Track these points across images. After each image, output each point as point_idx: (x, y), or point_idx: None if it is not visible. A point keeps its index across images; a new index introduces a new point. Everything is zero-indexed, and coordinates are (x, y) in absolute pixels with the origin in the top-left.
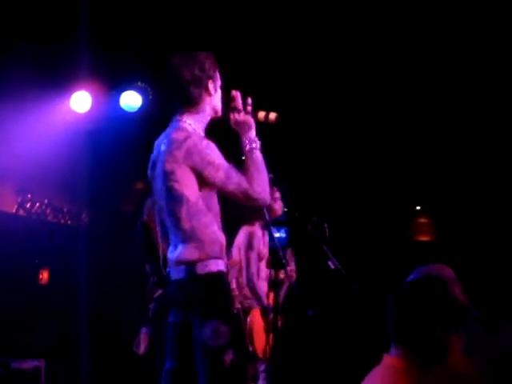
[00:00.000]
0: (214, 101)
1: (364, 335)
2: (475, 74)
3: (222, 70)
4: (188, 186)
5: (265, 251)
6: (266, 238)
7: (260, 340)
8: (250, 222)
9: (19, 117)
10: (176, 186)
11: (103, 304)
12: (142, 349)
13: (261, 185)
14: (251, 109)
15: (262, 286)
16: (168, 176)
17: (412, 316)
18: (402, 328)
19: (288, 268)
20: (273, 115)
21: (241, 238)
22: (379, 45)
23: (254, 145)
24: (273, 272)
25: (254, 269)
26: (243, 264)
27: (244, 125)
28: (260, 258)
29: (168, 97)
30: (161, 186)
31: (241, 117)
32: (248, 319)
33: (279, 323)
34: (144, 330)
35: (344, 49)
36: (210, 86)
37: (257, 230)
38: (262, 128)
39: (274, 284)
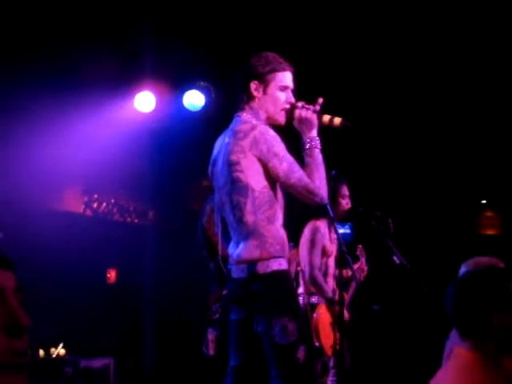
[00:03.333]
0: (265, 103)
1: (429, 330)
2: None
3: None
4: (254, 177)
5: (332, 248)
6: (333, 234)
7: (327, 336)
8: (316, 218)
9: (85, 118)
10: (241, 176)
11: (170, 302)
12: (211, 350)
13: (320, 182)
14: (319, 109)
15: (329, 282)
16: (233, 166)
17: (474, 305)
18: (465, 319)
19: (356, 265)
20: (338, 120)
21: (305, 235)
22: (439, 47)
23: (315, 143)
24: (338, 270)
25: (315, 263)
26: (305, 259)
27: (308, 122)
28: (327, 254)
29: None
30: (224, 179)
31: (306, 114)
32: (314, 315)
33: (346, 319)
34: (210, 330)
35: (404, 50)
36: (253, 86)
37: (321, 225)
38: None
39: (340, 282)
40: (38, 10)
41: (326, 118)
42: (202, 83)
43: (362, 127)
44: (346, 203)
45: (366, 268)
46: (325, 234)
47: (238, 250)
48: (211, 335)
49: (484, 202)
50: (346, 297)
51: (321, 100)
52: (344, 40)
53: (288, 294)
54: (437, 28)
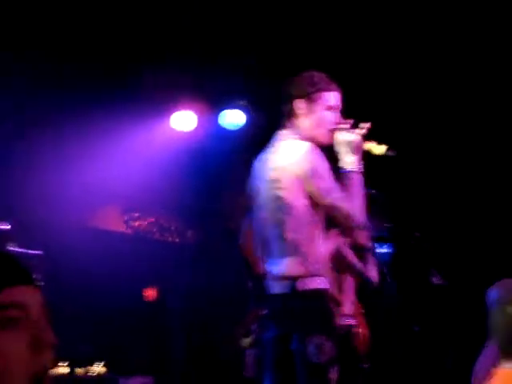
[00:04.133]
0: (309, 123)
1: (468, 350)
2: None
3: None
4: (295, 195)
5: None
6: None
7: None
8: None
9: (125, 137)
10: (283, 194)
11: (209, 322)
12: (251, 372)
13: (358, 206)
14: (365, 133)
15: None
16: (274, 184)
17: None
18: (508, 339)
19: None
20: (382, 148)
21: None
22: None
23: (357, 167)
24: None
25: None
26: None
27: (351, 144)
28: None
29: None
30: (265, 197)
31: (350, 136)
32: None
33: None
34: (249, 352)
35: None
36: (297, 105)
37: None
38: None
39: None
40: (81, 28)
41: (371, 144)
42: (241, 102)
43: (405, 154)
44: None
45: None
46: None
47: (278, 267)
48: (249, 357)
49: None
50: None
51: (367, 125)
52: (395, 68)
53: (325, 313)
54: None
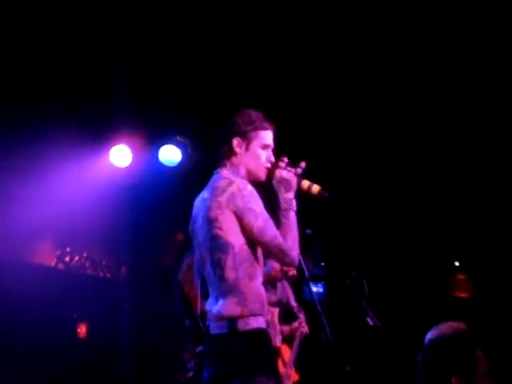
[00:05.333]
0: (246, 160)
1: None
2: None
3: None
4: (233, 234)
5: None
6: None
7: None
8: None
9: (60, 170)
10: (221, 233)
11: (143, 358)
12: None
13: (293, 243)
14: (300, 172)
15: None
16: (212, 223)
17: (435, 369)
18: (428, 382)
19: (295, 323)
20: (316, 188)
21: None
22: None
23: (291, 205)
24: (286, 328)
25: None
26: None
27: (287, 183)
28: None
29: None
30: (204, 236)
31: (286, 175)
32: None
33: (296, 378)
34: None
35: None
36: (235, 143)
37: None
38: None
39: (289, 338)
40: (12, 63)
41: (306, 183)
42: (178, 138)
43: (338, 196)
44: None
45: (306, 327)
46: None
47: (217, 307)
48: None
49: (457, 263)
50: (291, 354)
51: (303, 164)
52: (326, 105)
53: (266, 353)
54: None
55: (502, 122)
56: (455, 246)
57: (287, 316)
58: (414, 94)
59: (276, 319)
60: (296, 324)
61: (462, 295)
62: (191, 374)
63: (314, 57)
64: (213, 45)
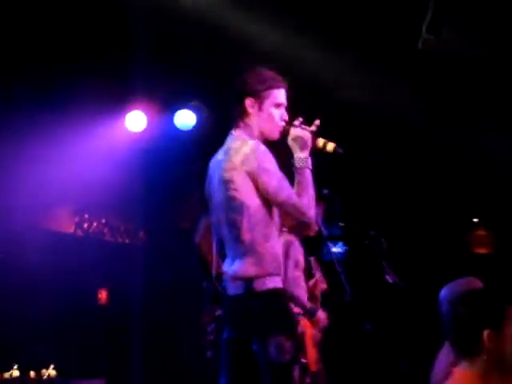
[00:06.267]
0: (259, 120)
1: (422, 349)
2: None
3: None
4: (248, 195)
5: (302, 261)
6: (302, 248)
7: (310, 352)
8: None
9: (76, 138)
10: (236, 194)
11: (162, 323)
12: (208, 372)
13: (309, 202)
14: (315, 130)
15: (302, 295)
16: (227, 185)
17: (466, 323)
18: (458, 337)
19: (315, 278)
20: (331, 146)
21: None
22: None
23: (306, 163)
24: (313, 284)
25: (290, 275)
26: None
27: (302, 142)
28: (299, 268)
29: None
30: (220, 198)
31: (301, 133)
32: (298, 330)
33: (323, 320)
34: (209, 352)
35: None
36: (248, 103)
37: (294, 239)
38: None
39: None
40: (30, 31)
41: (321, 141)
42: (193, 102)
43: (354, 152)
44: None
45: (324, 284)
46: (298, 248)
47: (234, 267)
48: (210, 357)
49: (476, 220)
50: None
51: (317, 122)
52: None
53: (285, 312)
54: None
55: None
56: (474, 202)
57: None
58: None
59: (303, 281)
60: (312, 282)
61: (482, 251)
62: (212, 337)
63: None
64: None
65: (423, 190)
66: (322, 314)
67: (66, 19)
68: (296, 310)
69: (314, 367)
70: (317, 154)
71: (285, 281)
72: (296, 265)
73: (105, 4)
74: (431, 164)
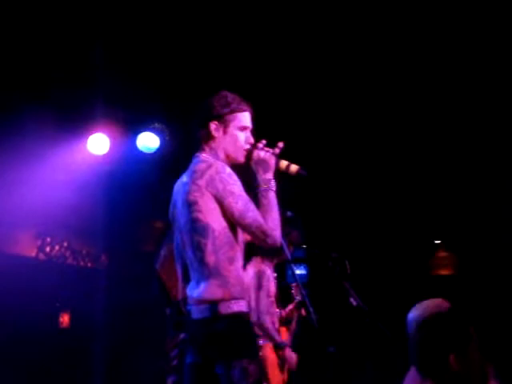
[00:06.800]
0: (224, 143)
1: (387, 372)
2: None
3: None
4: (213, 217)
5: (274, 289)
6: (274, 274)
7: (274, 375)
8: (259, 259)
9: (37, 160)
10: (201, 216)
11: (124, 347)
12: None
13: (274, 224)
14: (278, 153)
15: (273, 322)
16: (192, 207)
17: (433, 346)
18: (425, 360)
19: (291, 305)
20: (294, 168)
21: (249, 276)
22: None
23: (270, 185)
24: (285, 311)
25: (263, 307)
26: (252, 303)
27: (265, 164)
28: (270, 296)
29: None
30: (184, 220)
31: (265, 155)
32: (260, 354)
33: (294, 360)
34: (171, 378)
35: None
36: (213, 127)
37: (266, 268)
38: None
39: (287, 321)
40: None
41: (284, 163)
42: (156, 125)
43: (317, 175)
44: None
45: (302, 308)
46: (270, 278)
47: (199, 290)
48: (171, 382)
49: (438, 242)
50: (287, 335)
51: (281, 144)
52: (302, 86)
53: (249, 336)
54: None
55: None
56: (435, 224)
57: (285, 299)
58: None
59: (274, 308)
60: (291, 306)
61: (444, 273)
62: (175, 362)
63: (288, 38)
64: (189, 31)
65: (385, 212)
66: (292, 356)
67: (27, 39)
68: (259, 333)
69: None
70: (279, 176)
71: (257, 311)
72: (268, 294)
73: (67, 25)
74: (392, 187)
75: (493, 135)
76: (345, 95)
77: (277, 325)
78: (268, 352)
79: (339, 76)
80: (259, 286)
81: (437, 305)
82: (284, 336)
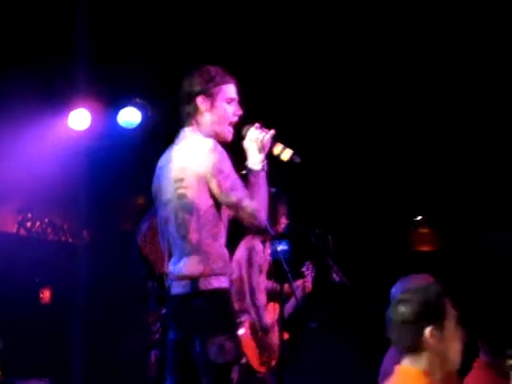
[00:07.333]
0: (212, 117)
1: (369, 347)
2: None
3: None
4: (199, 194)
5: (265, 264)
6: (267, 250)
7: (253, 353)
8: (251, 235)
9: (18, 136)
10: (187, 192)
11: (105, 322)
12: (153, 371)
13: (261, 205)
14: (273, 134)
15: (261, 298)
16: (178, 183)
17: (408, 321)
18: (401, 335)
19: (299, 281)
20: (288, 152)
21: (241, 253)
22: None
23: (262, 166)
24: (275, 285)
25: (254, 284)
26: (245, 280)
27: (261, 144)
28: (260, 272)
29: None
30: (169, 196)
31: (259, 134)
32: (240, 331)
33: (285, 337)
34: (154, 352)
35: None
36: (200, 101)
37: (256, 244)
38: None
39: (275, 296)
40: None
41: (279, 146)
42: (137, 100)
43: (300, 153)
44: (283, 221)
45: (310, 285)
46: (259, 252)
47: (179, 266)
48: (154, 356)
49: (419, 218)
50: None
51: (273, 131)
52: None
53: (228, 313)
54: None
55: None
56: (416, 200)
57: (277, 273)
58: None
59: (264, 277)
60: (300, 281)
61: (425, 249)
62: (157, 336)
63: (276, 16)
64: (169, 5)
65: (367, 188)
66: (275, 340)
67: (9, 13)
68: (242, 308)
69: (263, 368)
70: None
71: (250, 289)
72: (260, 270)
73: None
74: (375, 163)
75: (472, 110)
76: (326, 76)
77: (264, 300)
78: (247, 329)
79: (319, 61)
80: (250, 263)
81: (417, 279)
82: (272, 312)
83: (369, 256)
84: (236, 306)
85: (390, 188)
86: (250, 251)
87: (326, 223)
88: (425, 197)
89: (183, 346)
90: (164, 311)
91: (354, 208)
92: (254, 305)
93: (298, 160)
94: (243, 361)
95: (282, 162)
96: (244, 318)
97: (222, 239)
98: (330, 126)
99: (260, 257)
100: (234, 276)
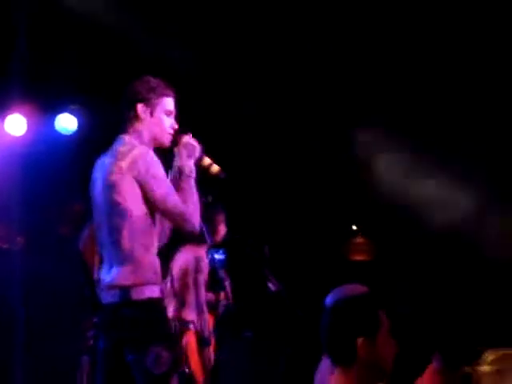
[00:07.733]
0: (150, 126)
1: (305, 356)
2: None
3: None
4: (132, 200)
5: (206, 274)
6: (207, 260)
7: (196, 362)
8: (195, 244)
9: None
10: (120, 199)
11: (41, 329)
12: (84, 379)
13: (194, 210)
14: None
15: (205, 308)
16: (111, 189)
17: (340, 331)
18: (333, 345)
19: (224, 292)
20: (216, 168)
21: (188, 261)
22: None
23: (192, 172)
24: (213, 295)
25: (202, 295)
26: (191, 289)
27: (192, 150)
28: (205, 280)
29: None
30: (102, 201)
31: (193, 141)
32: (183, 341)
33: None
34: (85, 358)
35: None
36: (140, 109)
37: (203, 254)
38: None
39: (214, 307)
40: None
41: (207, 160)
42: (73, 106)
43: (237, 162)
44: (222, 230)
45: (230, 295)
46: (206, 264)
47: (111, 275)
48: (85, 363)
49: (354, 227)
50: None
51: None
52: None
53: (162, 322)
54: None
55: None
56: (352, 210)
57: (214, 284)
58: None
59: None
60: (223, 294)
61: (360, 258)
62: (91, 342)
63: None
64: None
65: (303, 198)
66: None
67: None
68: (189, 317)
69: (201, 377)
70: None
71: (196, 299)
72: (204, 278)
73: None
74: (311, 173)
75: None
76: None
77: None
78: (191, 338)
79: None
80: (197, 270)
81: (350, 289)
82: (210, 322)
83: (305, 265)
84: (182, 315)
85: (326, 198)
86: (199, 261)
87: (263, 233)
88: (360, 207)
89: (112, 355)
90: (95, 320)
91: (290, 218)
92: (201, 314)
93: (223, 176)
94: (187, 370)
95: (210, 176)
96: (190, 327)
97: (154, 248)
98: (265, 135)
99: (206, 267)
100: (178, 284)
